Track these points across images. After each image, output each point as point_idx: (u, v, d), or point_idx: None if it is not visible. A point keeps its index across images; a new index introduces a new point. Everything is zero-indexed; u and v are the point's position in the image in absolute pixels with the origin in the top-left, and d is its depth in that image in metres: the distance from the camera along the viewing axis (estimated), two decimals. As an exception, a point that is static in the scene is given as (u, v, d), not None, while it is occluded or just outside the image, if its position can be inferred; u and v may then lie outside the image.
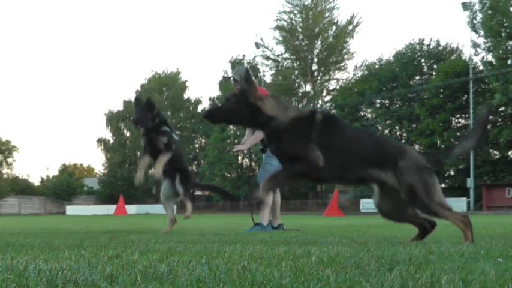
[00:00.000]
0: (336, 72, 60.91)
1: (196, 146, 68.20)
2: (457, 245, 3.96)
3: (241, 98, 4.34)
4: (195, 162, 67.79)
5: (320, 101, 60.54)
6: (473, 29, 44.66)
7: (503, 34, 42.31)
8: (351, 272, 2.26)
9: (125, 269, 2.38)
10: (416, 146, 49.94)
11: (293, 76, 60.78)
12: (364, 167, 4.23)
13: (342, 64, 60.23)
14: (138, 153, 69.10)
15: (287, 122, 4.22)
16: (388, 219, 4.56)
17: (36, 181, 78.27)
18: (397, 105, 53.06)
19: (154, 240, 4.95)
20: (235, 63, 65.26)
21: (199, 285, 1.91)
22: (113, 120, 72.83)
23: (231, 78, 7.91)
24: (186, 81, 72.55)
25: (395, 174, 4.16)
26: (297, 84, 61.51)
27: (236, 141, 54.60)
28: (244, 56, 66.40)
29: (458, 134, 47.63)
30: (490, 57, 44.99)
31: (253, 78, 4.52)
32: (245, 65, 65.35)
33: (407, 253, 3.21)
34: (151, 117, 7.17)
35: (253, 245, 4.15)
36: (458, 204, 38.15)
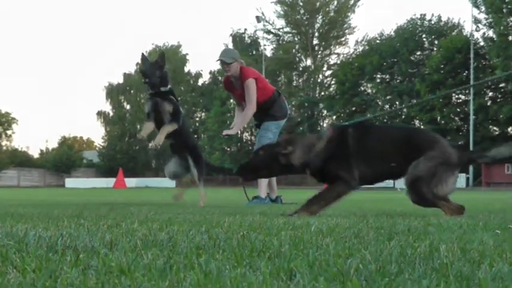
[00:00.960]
0: (337, 46, 60.89)
1: (197, 119, 68.22)
2: (455, 217, 3.98)
3: (269, 153, 4.48)
4: (195, 136, 67.94)
5: (321, 76, 60.42)
6: (475, 4, 44.44)
7: (504, 10, 42.12)
8: (350, 241, 2.26)
9: (124, 236, 2.38)
10: (416, 122, 49.98)
11: (294, 50, 60.66)
12: (401, 164, 4.33)
13: (343, 39, 60.16)
14: (138, 126, 69.17)
15: (322, 155, 4.36)
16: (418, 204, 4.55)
17: (35, 153, 78.13)
18: (398, 81, 52.99)
19: (153, 211, 4.96)
20: (236, 37, 64.94)
21: (199, 252, 1.91)
22: (113, 93, 72.71)
23: (219, 61, 7.75)
24: (187, 54, 72.33)
25: (416, 163, 4.24)
26: (297, 59, 61.39)
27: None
28: (245, 29, 66.12)
29: (458, 109, 47.61)
30: (491, 33, 44.86)
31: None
32: (246, 38, 65.01)
33: (406, 225, 3.21)
34: (160, 75, 6.85)
35: (253, 216, 4.16)
36: (458, 181, 38.29)
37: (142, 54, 7.26)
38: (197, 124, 67.34)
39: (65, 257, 1.77)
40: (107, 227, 2.91)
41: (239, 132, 58.68)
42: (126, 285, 1.33)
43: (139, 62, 7.39)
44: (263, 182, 7.83)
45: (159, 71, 6.86)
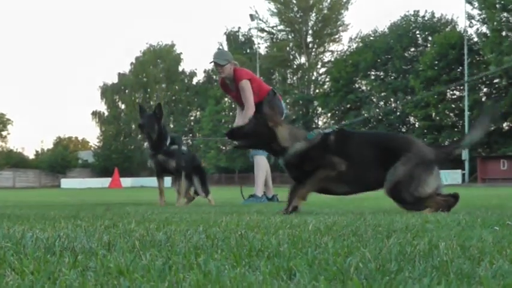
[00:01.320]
0: (331, 44, 60.81)
1: (191, 118, 68.16)
2: (453, 214, 3.97)
3: (260, 121, 4.56)
4: (190, 135, 67.81)
5: (315, 73, 60.36)
6: (468, 0, 44.44)
7: (497, 6, 42.13)
8: (349, 239, 2.26)
9: (122, 237, 2.38)
10: (411, 118, 49.99)
11: (288, 48, 60.59)
12: (381, 170, 4.35)
13: (336, 36, 60.11)
14: (133, 126, 68.96)
15: (300, 154, 4.44)
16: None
17: (30, 154, 77.95)
18: (392, 77, 53.00)
19: (150, 211, 4.95)
20: (230, 35, 64.90)
21: (197, 252, 1.90)
22: (108, 92, 72.61)
23: (212, 63, 7.74)
24: (181, 53, 72.38)
25: (394, 168, 4.26)
26: (291, 56, 61.31)
27: (231, 113, 54.51)
28: (239, 28, 66.09)
29: (453, 106, 47.62)
30: (484, 28, 44.89)
31: (276, 104, 4.70)
32: (240, 37, 64.94)
33: (403, 222, 3.21)
34: (158, 128, 7.10)
35: (250, 215, 4.15)
36: (453, 177, 38.33)
37: (140, 105, 7.59)
38: (192, 123, 67.30)
39: (63, 258, 1.76)
40: (104, 228, 2.89)
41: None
42: (125, 286, 1.33)
43: (138, 112, 7.54)
44: (260, 181, 7.83)
45: (157, 125, 7.08)
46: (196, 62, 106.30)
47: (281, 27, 60.97)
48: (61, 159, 67.49)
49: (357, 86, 55.77)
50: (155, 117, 7.08)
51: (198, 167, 7.80)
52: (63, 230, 2.70)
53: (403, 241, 2.16)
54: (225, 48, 66.51)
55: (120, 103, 73.31)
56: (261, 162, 7.87)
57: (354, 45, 58.31)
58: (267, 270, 1.50)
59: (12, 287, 1.36)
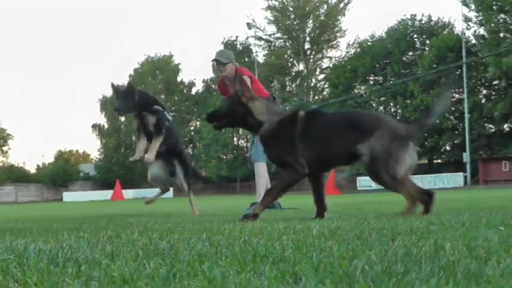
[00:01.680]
0: (329, 50, 60.73)
1: (191, 128, 68.12)
2: (457, 216, 3.95)
3: (234, 99, 4.59)
4: (191, 145, 67.75)
5: (314, 80, 60.36)
6: (464, 3, 44.53)
7: (494, 7, 42.20)
8: (353, 243, 2.24)
9: (125, 247, 2.36)
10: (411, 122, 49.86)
11: (286, 55, 60.57)
12: (349, 147, 4.31)
13: (334, 42, 60.04)
14: (133, 138, 68.82)
15: (273, 128, 4.43)
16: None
17: (32, 168, 77.74)
18: (391, 82, 53.01)
19: (152, 221, 4.93)
20: (228, 44, 64.96)
21: (202, 259, 1.89)
22: (107, 105, 72.25)
23: (214, 62, 7.62)
24: (179, 64, 72.31)
25: (369, 144, 4.21)
26: (290, 64, 61.32)
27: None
28: (236, 37, 66.09)
29: (453, 108, 47.61)
30: (482, 30, 44.93)
31: (246, 78, 4.65)
32: (238, 46, 65.01)
33: (408, 225, 3.19)
34: (133, 102, 6.73)
35: (253, 222, 4.14)
36: (455, 179, 38.24)
37: (112, 85, 6.98)
38: (192, 133, 67.25)
39: (66, 269, 1.74)
40: (107, 238, 2.88)
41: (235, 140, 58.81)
42: (130, 296, 1.31)
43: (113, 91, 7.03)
44: (261, 189, 7.79)
45: (131, 101, 6.74)
46: (195, 72, 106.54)
47: (278, 35, 61.02)
48: (62, 172, 67.43)
49: (356, 91, 55.76)
50: (129, 95, 6.73)
51: (180, 153, 7.46)
52: (65, 242, 2.69)
53: (408, 243, 2.15)
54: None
55: (119, 115, 73.25)
56: (261, 170, 7.82)
57: (352, 51, 58.32)
58: (272, 275, 1.49)
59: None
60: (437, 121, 47.06)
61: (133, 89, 6.82)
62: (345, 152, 4.35)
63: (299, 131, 4.38)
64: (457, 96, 48.53)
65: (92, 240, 2.78)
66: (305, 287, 1.33)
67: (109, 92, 77.26)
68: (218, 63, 7.52)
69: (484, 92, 47.97)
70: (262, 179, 7.83)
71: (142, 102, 6.81)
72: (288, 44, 60.73)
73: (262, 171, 7.82)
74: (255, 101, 4.55)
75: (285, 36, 60.49)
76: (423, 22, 52.40)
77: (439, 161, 51.12)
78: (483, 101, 46.73)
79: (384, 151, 4.15)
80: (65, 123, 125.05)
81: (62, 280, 1.53)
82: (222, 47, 64.73)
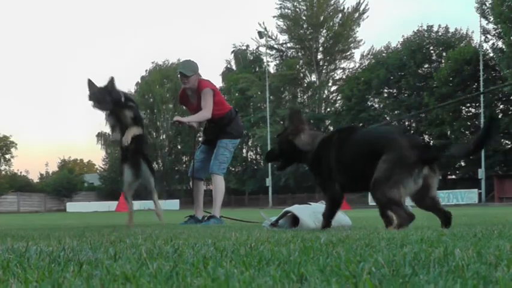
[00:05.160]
0: (342, 61, 60.56)
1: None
2: (469, 228, 3.91)
3: (282, 138, 4.82)
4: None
5: (326, 91, 60.15)
6: (483, 15, 44.15)
7: (513, 20, 41.76)
8: (362, 250, 2.20)
9: (128, 249, 2.34)
10: (426, 137, 49.59)
11: (298, 66, 60.30)
12: (365, 168, 4.32)
13: (348, 53, 59.81)
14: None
15: (313, 156, 4.60)
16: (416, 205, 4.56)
17: (35, 178, 77.27)
18: (405, 95, 52.68)
19: (158, 230, 4.89)
20: (239, 54, 64.86)
21: (206, 261, 1.86)
22: None
23: (178, 74, 7.62)
24: (188, 72, 72.19)
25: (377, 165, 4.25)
26: (302, 74, 61.08)
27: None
28: (247, 46, 66.01)
29: (468, 123, 47.19)
30: (500, 43, 44.52)
31: (299, 116, 4.86)
32: (248, 55, 64.78)
33: (418, 235, 3.14)
34: (110, 97, 6.53)
35: (260, 231, 4.14)
36: (470, 196, 37.76)
37: (89, 80, 6.75)
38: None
39: (67, 267, 1.73)
40: (110, 243, 2.86)
41: (238, 146, 58.66)
42: (132, 292, 1.29)
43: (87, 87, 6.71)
44: (218, 202, 7.63)
45: (109, 96, 6.57)
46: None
47: (291, 44, 60.88)
48: (66, 182, 66.49)
49: (369, 104, 55.51)
50: (106, 90, 6.55)
51: (144, 151, 7.20)
52: (68, 244, 2.67)
53: (417, 250, 2.11)
54: (233, 67, 66.49)
55: (126, 124, 72.60)
56: (220, 183, 7.70)
57: (366, 62, 58.19)
58: (277, 275, 1.46)
59: (15, 294, 1.32)
60: (453, 136, 46.79)
61: (112, 86, 6.62)
62: (365, 173, 4.37)
63: (333, 155, 4.50)
64: (473, 110, 48.18)
65: (95, 243, 2.76)
66: (310, 286, 1.30)
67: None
68: (182, 75, 7.50)
69: (501, 106, 47.53)
70: (221, 193, 7.68)
71: (118, 98, 6.64)
72: (300, 54, 60.54)
73: (221, 185, 7.70)
74: (300, 134, 4.71)
75: (297, 46, 60.31)
76: (440, 34, 52.05)
77: (453, 176, 50.72)
78: (500, 116, 46.25)
79: (383, 175, 4.19)
80: (69, 132, 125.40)
81: (63, 277, 1.51)
82: (232, 56, 64.77)
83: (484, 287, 1.26)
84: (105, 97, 6.55)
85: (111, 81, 6.63)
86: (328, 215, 4.67)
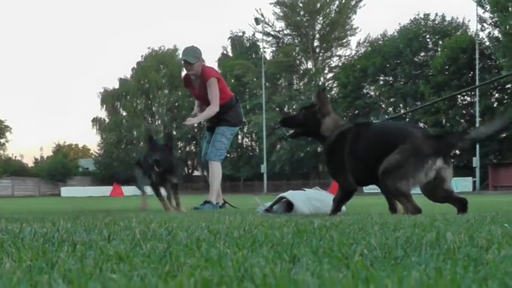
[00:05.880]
0: (339, 48, 60.37)
1: (195, 124, 67.80)
2: (462, 214, 3.94)
3: (309, 112, 4.88)
4: (194, 142, 67.38)
5: (322, 78, 60.07)
6: (479, 3, 43.99)
7: (510, 9, 41.58)
8: (355, 233, 2.22)
9: (122, 231, 2.35)
10: (421, 125, 49.69)
11: (294, 53, 60.13)
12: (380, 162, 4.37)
13: (344, 40, 59.64)
14: (135, 133, 68.36)
15: (330, 144, 4.69)
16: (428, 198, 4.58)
17: (30, 162, 76.96)
18: (401, 83, 52.68)
19: (152, 215, 4.90)
20: (235, 40, 64.68)
21: (199, 243, 1.87)
22: (108, 99, 71.17)
23: (182, 61, 7.67)
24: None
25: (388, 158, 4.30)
26: (298, 61, 60.93)
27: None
28: (243, 32, 65.80)
29: (464, 112, 47.25)
30: (496, 32, 44.46)
31: (326, 96, 4.97)
32: (245, 41, 64.59)
33: (411, 220, 3.17)
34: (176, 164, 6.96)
35: (254, 215, 4.16)
36: (464, 184, 37.84)
37: (151, 136, 7.12)
38: (196, 130, 67.19)
39: (61, 248, 1.74)
40: (105, 225, 2.87)
41: (237, 136, 58.71)
42: (126, 271, 1.29)
43: (147, 143, 7.14)
44: (215, 189, 7.63)
45: (170, 156, 6.85)
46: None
47: (287, 31, 60.67)
48: (61, 167, 66.13)
49: (365, 91, 55.49)
50: (168, 150, 6.86)
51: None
52: (62, 226, 2.68)
53: (410, 234, 2.13)
54: (230, 53, 66.33)
55: (121, 109, 72.09)
56: (216, 169, 7.70)
57: (362, 50, 58.11)
58: (270, 256, 1.47)
59: (9, 273, 1.33)
60: (448, 125, 46.90)
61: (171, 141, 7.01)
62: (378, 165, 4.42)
63: (348, 148, 4.56)
64: (468, 99, 48.20)
65: (89, 225, 2.77)
66: (303, 267, 1.31)
67: (110, 85, 76.26)
68: (186, 62, 7.55)
69: (497, 95, 47.56)
70: (217, 179, 7.68)
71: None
72: (296, 40, 60.36)
73: (217, 171, 7.70)
74: (326, 117, 4.79)
75: (293, 33, 60.10)
76: (436, 22, 52.00)
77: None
78: (495, 104, 46.29)
79: (396, 165, 4.22)
80: (64, 117, 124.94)
81: (56, 257, 1.52)
82: (228, 42, 64.54)
83: (475, 268, 1.27)
84: (172, 167, 6.89)
85: (170, 138, 7.09)
86: (339, 201, 4.76)
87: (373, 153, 4.41)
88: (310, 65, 60.34)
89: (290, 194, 5.16)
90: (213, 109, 7.45)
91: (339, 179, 4.70)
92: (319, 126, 4.78)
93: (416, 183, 4.26)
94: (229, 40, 65.79)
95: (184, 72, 8.08)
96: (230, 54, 66.84)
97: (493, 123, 4.54)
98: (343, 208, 5.25)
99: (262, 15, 58.96)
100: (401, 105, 52.55)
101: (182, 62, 7.73)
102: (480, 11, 44.54)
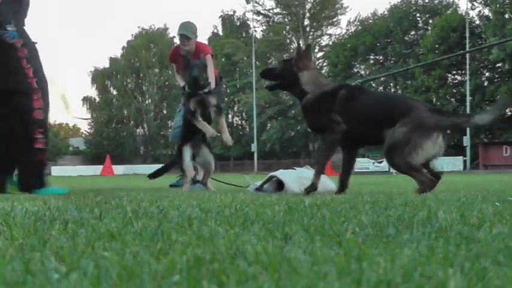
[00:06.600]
0: (329, 27, 59.97)
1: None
2: (453, 193, 3.95)
3: (287, 65, 4.86)
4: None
5: (312, 57, 59.71)
6: (470, -19, 43.92)
7: (500, -13, 41.63)
8: (346, 212, 2.22)
9: (114, 210, 2.35)
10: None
11: (284, 32, 59.85)
12: (378, 129, 4.36)
13: (334, 19, 59.25)
14: (125, 112, 68.03)
15: (314, 99, 4.63)
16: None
17: None
18: (392, 62, 52.63)
19: (143, 193, 4.89)
20: (226, 19, 64.31)
21: (191, 221, 1.87)
22: (99, 78, 70.74)
23: (178, 35, 7.60)
24: (174, 37, 71.35)
25: (393, 130, 4.24)
26: (288, 40, 60.63)
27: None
28: (234, 11, 65.42)
29: (454, 90, 47.28)
30: (486, 11, 44.45)
31: (307, 51, 4.95)
32: (235, 20, 64.25)
33: (403, 199, 3.18)
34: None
35: (245, 194, 4.16)
36: (455, 163, 38.02)
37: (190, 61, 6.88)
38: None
39: (53, 226, 1.73)
40: (96, 203, 2.86)
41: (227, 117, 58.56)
42: (118, 248, 1.29)
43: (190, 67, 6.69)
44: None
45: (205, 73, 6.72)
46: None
47: (277, 10, 60.24)
48: (51, 146, 65.63)
49: (355, 70, 55.38)
50: (204, 66, 6.71)
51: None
52: (53, 204, 2.67)
53: (401, 213, 2.13)
54: (220, 32, 65.97)
55: (111, 88, 71.53)
56: None
57: (353, 29, 57.84)
58: (262, 233, 1.47)
59: (2, 250, 1.32)
60: (438, 103, 46.97)
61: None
62: (374, 132, 4.41)
63: (337, 106, 4.52)
64: (458, 78, 48.24)
65: (80, 204, 2.76)
66: (295, 244, 1.31)
67: (101, 64, 75.56)
68: (184, 37, 7.49)
69: (487, 74, 47.56)
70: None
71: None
72: (286, 19, 59.97)
73: None
74: (304, 71, 4.76)
75: (284, 12, 59.68)
76: (427, 1, 51.82)
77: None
78: (485, 83, 46.30)
79: (402, 138, 4.19)
80: (54, 96, 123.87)
81: (48, 235, 1.51)
82: (219, 21, 64.08)
83: (467, 246, 1.27)
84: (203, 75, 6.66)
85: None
86: (324, 158, 4.83)
87: (372, 118, 4.38)
88: (300, 43, 59.90)
89: (281, 173, 5.15)
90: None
91: (325, 121, 4.56)
92: (296, 80, 4.74)
93: (425, 154, 4.22)
94: (220, 19, 65.34)
95: (174, 48, 7.98)
96: (220, 33, 66.46)
97: (494, 108, 4.55)
98: (333, 185, 5.24)
99: (252, -7, 58.57)
100: (391, 84, 52.56)
101: (179, 36, 7.64)
102: (470, -11, 44.46)
